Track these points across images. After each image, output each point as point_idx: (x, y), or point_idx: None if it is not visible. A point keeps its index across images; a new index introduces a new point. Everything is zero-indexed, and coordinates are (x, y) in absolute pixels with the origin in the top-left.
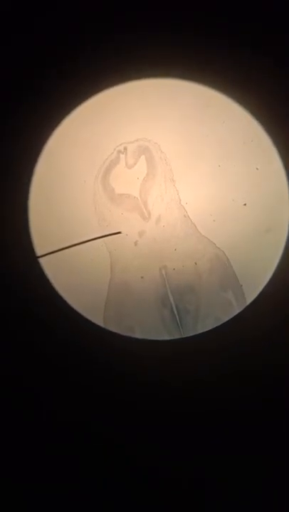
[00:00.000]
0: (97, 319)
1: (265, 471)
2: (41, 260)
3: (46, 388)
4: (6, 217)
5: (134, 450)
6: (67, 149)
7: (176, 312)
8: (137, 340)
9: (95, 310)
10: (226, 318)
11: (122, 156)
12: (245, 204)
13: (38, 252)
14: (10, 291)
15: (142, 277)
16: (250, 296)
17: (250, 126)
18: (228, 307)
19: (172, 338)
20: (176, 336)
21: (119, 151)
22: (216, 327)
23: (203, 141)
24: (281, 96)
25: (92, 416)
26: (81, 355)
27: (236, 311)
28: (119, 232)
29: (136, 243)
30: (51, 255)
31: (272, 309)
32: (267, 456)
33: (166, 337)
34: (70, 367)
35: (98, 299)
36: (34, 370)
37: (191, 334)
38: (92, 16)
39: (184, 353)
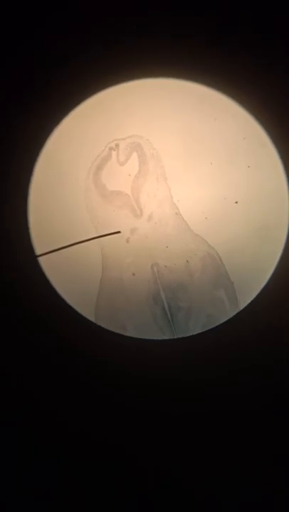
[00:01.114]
0: (96, 318)
1: (265, 471)
2: (40, 259)
3: (45, 388)
4: (5, 217)
5: (133, 450)
6: (67, 149)
7: (167, 309)
8: (137, 340)
9: (93, 309)
10: (220, 316)
11: (113, 152)
12: (236, 202)
13: (38, 251)
14: (9, 290)
15: (133, 274)
16: (249, 296)
17: (249, 126)
18: (220, 305)
19: (164, 335)
20: (168, 334)
21: (111, 148)
22: (215, 327)
23: (202, 140)
24: (281, 96)
25: (91, 416)
26: (80, 355)
27: (228, 308)
28: (118, 232)
29: (128, 240)
30: (51, 254)
31: (272, 309)
32: (267, 456)
33: (159, 334)
34: (69, 366)
35: (95, 297)
36: (33, 370)
37: (183, 331)
38: (91, 16)
39: (183, 353)
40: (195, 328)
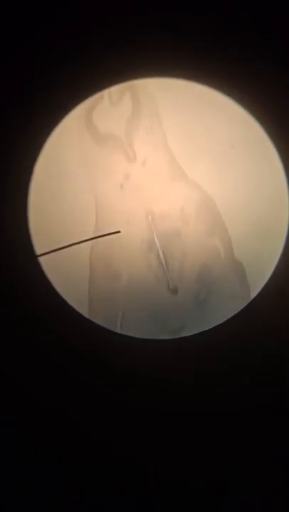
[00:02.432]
0: (96, 318)
1: (265, 471)
2: (41, 259)
3: (45, 388)
4: (5, 217)
5: (133, 450)
6: (67, 149)
7: (162, 257)
8: (136, 339)
9: (93, 309)
10: (214, 265)
11: (105, 93)
12: (232, 146)
13: (38, 251)
14: (9, 290)
15: (127, 221)
16: (249, 295)
17: (249, 126)
18: (215, 253)
19: (159, 283)
20: (163, 281)
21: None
22: (215, 327)
23: (202, 140)
24: (281, 96)
25: (91, 416)
26: (80, 354)
27: (222, 257)
28: (118, 232)
29: (121, 186)
30: (51, 254)
31: (273, 308)
32: (268, 456)
33: (154, 282)
34: (69, 366)
35: (97, 297)
36: (33, 370)
37: (178, 279)
38: (91, 16)
39: (183, 352)
40: (190, 277)
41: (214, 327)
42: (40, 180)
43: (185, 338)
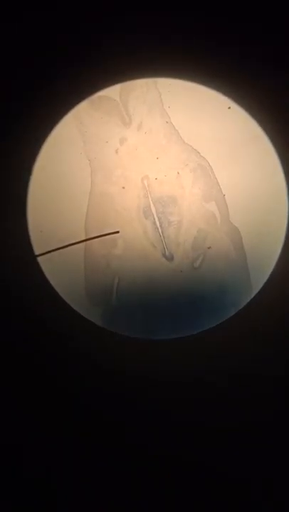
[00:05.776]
0: (95, 318)
1: (269, 470)
2: (40, 259)
3: (44, 387)
4: (4, 217)
5: (133, 450)
6: (67, 149)
7: (158, 224)
8: (135, 339)
9: (93, 308)
10: (210, 230)
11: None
12: (229, 107)
13: (37, 250)
14: (8, 290)
15: (123, 187)
16: (248, 296)
17: (249, 126)
18: (211, 218)
19: (155, 249)
20: (159, 248)
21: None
22: (214, 327)
23: (201, 140)
24: (281, 96)
25: (91, 416)
26: (80, 354)
27: (219, 222)
28: (117, 232)
29: (117, 151)
30: (50, 254)
31: (272, 308)
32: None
33: (150, 249)
34: (69, 365)
35: (96, 297)
36: (32, 370)
37: (174, 245)
38: (91, 16)
39: (183, 352)
40: (186, 243)
41: (213, 327)
42: (40, 180)
43: (185, 338)
